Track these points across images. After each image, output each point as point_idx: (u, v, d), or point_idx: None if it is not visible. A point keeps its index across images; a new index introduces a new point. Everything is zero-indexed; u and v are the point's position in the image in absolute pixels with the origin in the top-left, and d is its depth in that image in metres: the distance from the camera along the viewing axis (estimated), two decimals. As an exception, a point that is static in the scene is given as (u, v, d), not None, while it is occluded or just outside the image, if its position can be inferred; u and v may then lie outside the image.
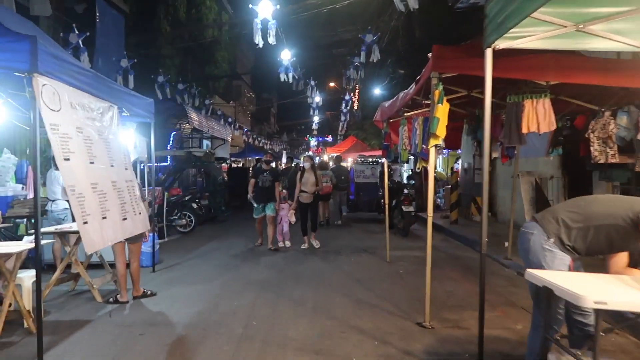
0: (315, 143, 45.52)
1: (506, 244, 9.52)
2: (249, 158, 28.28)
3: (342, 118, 25.65)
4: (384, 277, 7.08)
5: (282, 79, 11.98)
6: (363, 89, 26.42)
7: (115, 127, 5.24)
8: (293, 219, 9.36)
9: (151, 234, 7.88)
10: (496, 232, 10.72)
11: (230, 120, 23.59)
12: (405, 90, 6.40)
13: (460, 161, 13.88)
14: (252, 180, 9.32)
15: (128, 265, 5.88)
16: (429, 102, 6.18)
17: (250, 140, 32.83)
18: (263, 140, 36.98)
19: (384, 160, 8.37)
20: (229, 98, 31.27)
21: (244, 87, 36.79)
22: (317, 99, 24.41)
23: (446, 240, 10.79)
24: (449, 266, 7.88)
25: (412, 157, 7.06)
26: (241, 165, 26.65)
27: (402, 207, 10.77)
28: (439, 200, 16.49)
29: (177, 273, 7.32)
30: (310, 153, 8.06)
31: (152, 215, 9.52)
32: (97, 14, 12.27)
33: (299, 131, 64.96)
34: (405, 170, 26.74)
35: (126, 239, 5.51)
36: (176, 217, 11.10)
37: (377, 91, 20.22)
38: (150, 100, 6.86)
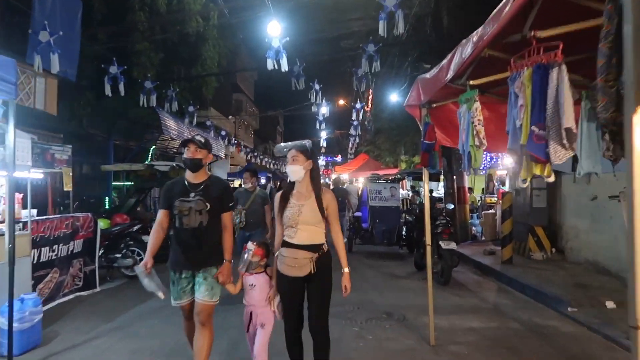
0: (324, 163, 42.38)
1: (610, 304, 6.18)
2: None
3: (353, 132, 22.49)
4: (434, 388, 3.77)
5: (271, 67, 8.89)
6: (376, 99, 23.37)
7: None
8: (279, 314, 3.59)
9: (21, 297, 4.69)
10: (579, 280, 7.35)
11: (223, 133, 20.57)
12: (477, 32, 3.26)
13: (508, 180, 10.64)
14: (161, 213, 3.68)
15: None
16: (547, 33, 3.01)
17: (251, 158, 29.79)
18: (267, 159, 33.98)
19: (423, 171, 5.08)
20: (227, 112, 28.37)
21: (245, 102, 33.95)
22: (324, 109, 21.45)
23: (503, 290, 7.43)
24: (538, 354, 4.54)
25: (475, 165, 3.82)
26: (237, 184, 23.05)
27: (440, 242, 7.47)
28: (474, 228, 13.13)
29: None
30: (306, 142, 3.47)
31: (59, 259, 6.34)
32: (36, -11, 9.35)
33: (308, 152, 61.94)
34: (420, 190, 23.32)
35: None
36: (119, 256, 7.89)
37: (393, 97, 17.09)
38: (6, 60, 3.77)
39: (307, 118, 34.29)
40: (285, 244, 3.38)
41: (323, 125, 22.80)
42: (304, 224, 3.33)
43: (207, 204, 3.54)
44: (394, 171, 19.21)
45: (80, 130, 13.30)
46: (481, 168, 13.49)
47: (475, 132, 3.54)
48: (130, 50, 14.13)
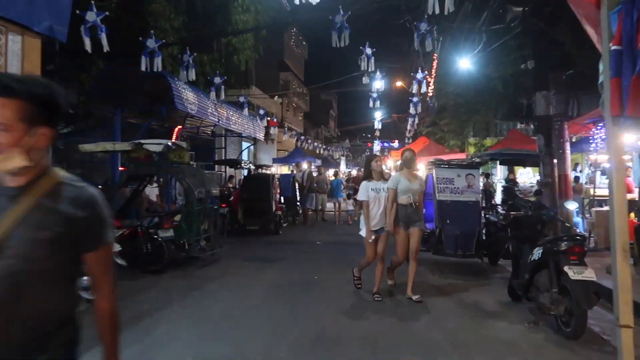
0: (379, 148, 39.25)
1: None
2: (293, 163, 22.70)
3: (412, 111, 19.22)
4: None
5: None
6: (441, 70, 19.97)
7: None
8: None
9: None
10: None
11: (262, 112, 18.00)
12: None
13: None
14: None
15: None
16: None
17: (299, 142, 27.27)
18: (316, 144, 31.36)
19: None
20: (273, 92, 25.83)
21: (293, 82, 31.36)
22: (378, 84, 18.38)
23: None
24: None
25: None
26: (273, 171, 19.54)
27: (566, 268, 4.40)
28: (579, 229, 9.77)
29: None
30: None
31: None
32: None
33: (363, 138, 58.77)
34: (498, 180, 19.70)
35: None
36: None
37: (464, 64, 13.79)
38: None
39: (361, 99, 31.29)
40: None
41: (377, 104, 19.74)
42: None
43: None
44: (461, 156, 15.92)
45: (84, 105, 11.22)
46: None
47: None
48: (146, 10, 11.88)
